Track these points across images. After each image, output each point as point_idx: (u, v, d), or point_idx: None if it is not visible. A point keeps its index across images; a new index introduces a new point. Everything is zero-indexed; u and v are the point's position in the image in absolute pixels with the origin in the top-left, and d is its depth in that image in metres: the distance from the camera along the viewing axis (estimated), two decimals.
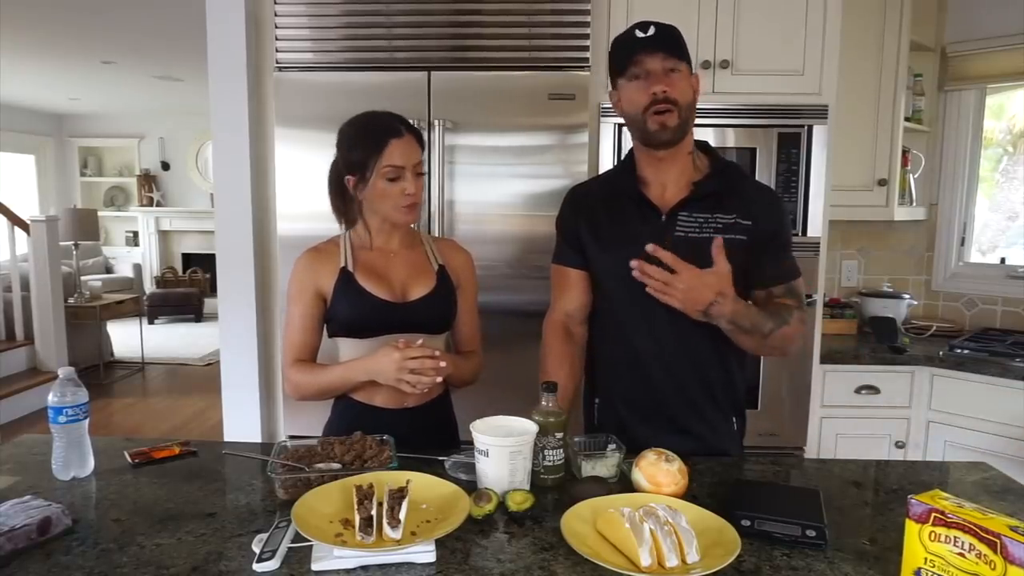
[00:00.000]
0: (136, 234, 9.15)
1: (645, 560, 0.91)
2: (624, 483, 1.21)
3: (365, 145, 1.38)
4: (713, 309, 1.26)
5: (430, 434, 1.45)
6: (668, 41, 1.30)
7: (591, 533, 1.01)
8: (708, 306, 1.25)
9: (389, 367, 1.32)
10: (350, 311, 1.43)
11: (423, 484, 1.09)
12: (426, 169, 1.49)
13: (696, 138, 1.44)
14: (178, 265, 9.00)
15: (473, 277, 1.57)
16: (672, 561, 0.92)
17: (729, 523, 1.02)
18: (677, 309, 1.34)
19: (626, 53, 1.32)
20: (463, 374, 1.51)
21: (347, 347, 1.46)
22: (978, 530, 0.82)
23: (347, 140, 1.42)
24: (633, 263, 1.25)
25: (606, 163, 2.23)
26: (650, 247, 1.24)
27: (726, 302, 1.26)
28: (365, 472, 1.14)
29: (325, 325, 1.48)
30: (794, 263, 1.43)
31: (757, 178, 2.22)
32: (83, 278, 6.00)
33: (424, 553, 0.96)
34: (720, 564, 0.91)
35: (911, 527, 0.88)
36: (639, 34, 1.30)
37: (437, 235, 2.17)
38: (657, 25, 1.31)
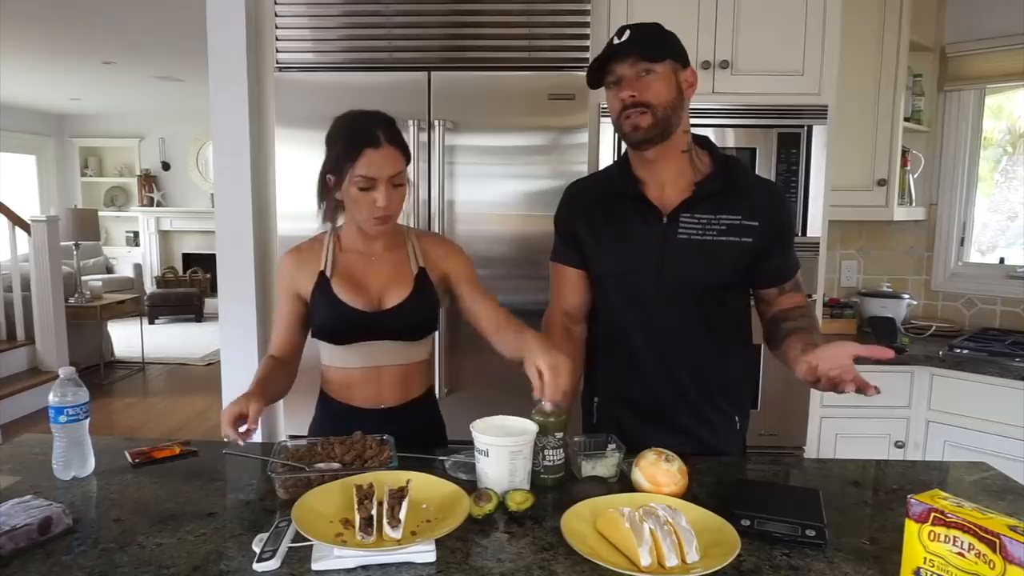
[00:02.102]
0: (136, 234, 9.15)
1: (645, 560, 0.92)
2: (624, 483, 1.21)
3: (342, 149, 1.35)
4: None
5: (415, 433, 1.42)
6: (641, 43, 1.30)
7: (591, 533, 1.01)
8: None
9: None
10: (324, 318, 1.43)
11: (423, 484, 1.09)
12: (410, 179, 1.42)
13: (695, 134, 1.43)
14: (178, 265, 9.00)
15: (461, 261, 1.50)
16: (672, 561, 0.92)
17: (729, 523, 1.02)
18: (676, 308, 1.35)
19: (603, 62, 1.33)
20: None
21: (327, 350, 1.47)
22: (977, 530, 0.82)
23: (331, 139, 1.39)
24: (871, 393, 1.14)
25: (606, 163, 2.23)
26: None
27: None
28: (365, 472, 1.14)
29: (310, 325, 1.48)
30: (795, 255, 1.44)
31: None
32: (84, 278, 6.00)
33: (424, 553, 0.96)
34: (720, 564, 0.92)
35: (911, 527, 0.88)
36: (615, 41, 1.31)
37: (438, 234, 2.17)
38: (633, 28, 1.31)
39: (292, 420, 2.28)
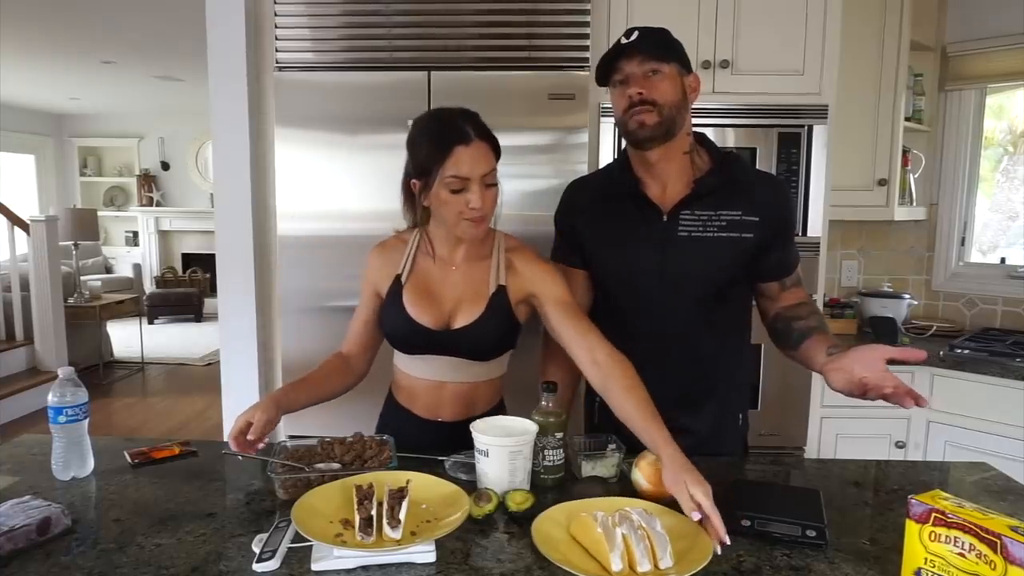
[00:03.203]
0: (136, 234, 9.15)
1: (616, 565, 0.90)
2: (624, 483, 1.21)
3: (429, 150, 1.27)
4: None
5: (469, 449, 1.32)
6: (649, 44, 1.31)
7: (564, 537, 1.00)
8: None
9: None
10: (392, 328, 1.40)
11: (423, 484, 1.09)
12: (497, 180, 1.32)
13: (694, 131, 1.42)
14: (178, 265, 9.00)
15: (549, 280, 1.36)
16: (644, 566, 0.91)
17: (705, 529, 1.00)
18: (678, 306, 1.36)
19: (609, 60, 1.34)
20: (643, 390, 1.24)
21: (397, 354, 1.45)
22: (978, 530, 0.82)
23: (413, 141, 1.31)
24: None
25: (606, 163, 2.23)
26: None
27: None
28: (365, 472, 1.14)
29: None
30: (796, 249, 1.44)
31: None
32: (83, 278, 6.00)
33: (424, 553, 0.96)
34: (692, 570, 0.90)
35: (911, 527, 0.88)
36: (623, 41, 1.32)
37: None
38: (642, 30, 1.32)
39: (292, 420, 2.27)
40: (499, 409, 1.48)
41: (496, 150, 1.31)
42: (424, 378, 1.41)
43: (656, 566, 0.91)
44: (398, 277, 1.39)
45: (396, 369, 1.47)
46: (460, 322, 1.36)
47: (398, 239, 1.45)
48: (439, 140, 1.26)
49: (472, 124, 1.28)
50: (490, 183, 1.28)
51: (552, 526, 1.02)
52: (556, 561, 0.92)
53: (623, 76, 1.32)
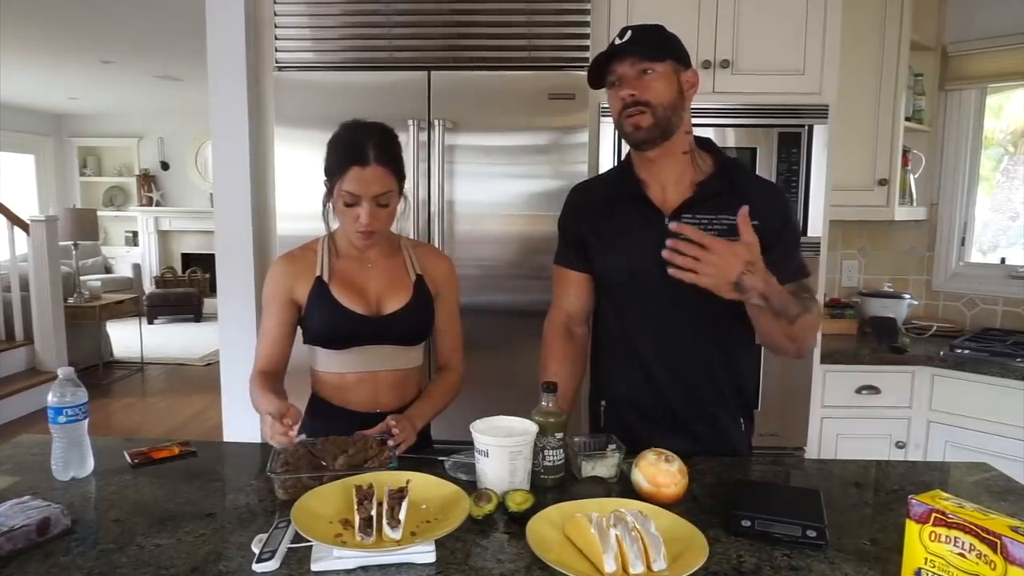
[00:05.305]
0: (135, 234, 9.15)
1: (609, 566, 0.90)
2: (624, 483, 1.21)
3: (330, 162, 1.36)
4: (745, 280, 1.17)
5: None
6: (641, 43, 1.30)
7: (559, 538, 1.00)
8: (740, 276, 1.17)
9: (264, 429, 1.25)
10: (324, 323, 1.42)
11: (423, 484, 1.09)
12: (406, 196, 1.45)
13: (698, 135, 1.42)
14: (178, 265, 9.00)
15: (453, 286, 1.54)
16: (637, 568, 0.90)
17: (700, 532, 0.99)
18: (681, 308, 1.34)
19: (603, 62, 1.33)
20: (444, 402, 1.51)
21: (322, 356, 1.46)
22: (979, 530, 0.82)
23: (328, 144, 1.39)
24: (669, 243, 1.18)
25: (606, 163, 2.23)
26: (674, 225, 1.19)
27: (757, 273, 1.18)
28: (365, 472, 1.14)
29: (301, 332, 1.47)
30: (803, 262, 1.39)
31: None
32: (82, 278, 6.00)
33: (424, 553, 0.95)
34: (686, 572, 0.89)
35: (911, 527, 0.88)
36: (616, 41, 1.32)
37: (437, 235, 2.17)
38: (635, 29, 1.32)
39: None
40: (418, 396, 1.53)
41: (398, 174, 1.38)
42: (357, 371, 1.44)
43: (649, 568, 0.91)
44: (319, 279, 1.43)
45: (320, 373, 1.48)
46: (390, 309, 1.44)
47: (304, 249, 1.48)
48: (340, 157, 1.34)
49: (375, 146, 1.33)
50: (382, 203, 1.36)
51: (547, 527, 1.02)
52: (550, 562, 0.92)
53: (616, 77, 1.32)
